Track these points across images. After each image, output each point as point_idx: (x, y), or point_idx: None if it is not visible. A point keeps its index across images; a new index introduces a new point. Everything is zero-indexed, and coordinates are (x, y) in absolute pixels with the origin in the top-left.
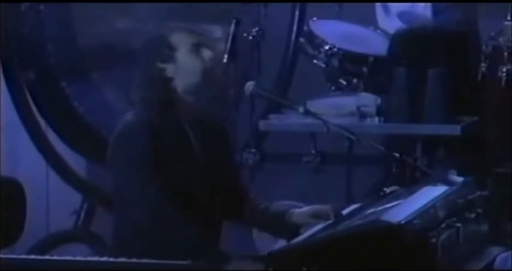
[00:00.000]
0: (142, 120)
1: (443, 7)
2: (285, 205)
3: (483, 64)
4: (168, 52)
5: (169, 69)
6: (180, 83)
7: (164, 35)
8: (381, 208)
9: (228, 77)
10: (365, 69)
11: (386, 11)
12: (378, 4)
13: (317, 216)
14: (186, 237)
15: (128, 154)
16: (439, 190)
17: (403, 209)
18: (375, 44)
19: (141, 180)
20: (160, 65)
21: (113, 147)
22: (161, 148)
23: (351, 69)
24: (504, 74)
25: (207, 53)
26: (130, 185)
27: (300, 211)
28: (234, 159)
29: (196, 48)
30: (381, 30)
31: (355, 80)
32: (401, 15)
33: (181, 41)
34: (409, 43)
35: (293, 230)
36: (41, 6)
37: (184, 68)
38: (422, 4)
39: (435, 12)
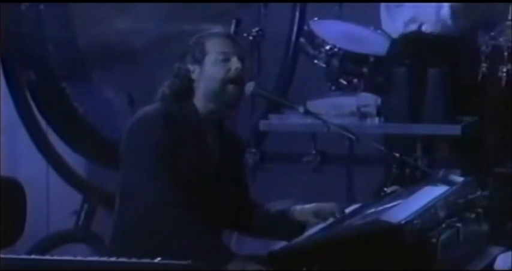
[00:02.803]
0: (159, 111)
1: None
2: (285, 203)
3: (483, 64)
4: (198, 55)
5: (196, 71)
6: (201, 86)
7: (203, 38)
8: (381, 208)
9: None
10: (365, 69)
11: (391, 14)
12: (382, 6)
13: (319, 214)
14: (190, 228)
15: (141, 142)
16: (439, 190)
17: (403, 209)
18: (375, 44)
19: (151, 170)
20: (190, 66)
21: (128, 134)
22: (175, 141)
23: (351, 69)
24: (504, 74)
25: (234, 64)
26: (140, 173)
27: (302, 208)
28: (244, 167)
29: (225, 56)
30: (382, 30)
31: (355, 80)
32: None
33: (212, 47)
34: (409, 43)
35: (296, 227)
36: (41, 6)
37: (206, 73)
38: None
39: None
